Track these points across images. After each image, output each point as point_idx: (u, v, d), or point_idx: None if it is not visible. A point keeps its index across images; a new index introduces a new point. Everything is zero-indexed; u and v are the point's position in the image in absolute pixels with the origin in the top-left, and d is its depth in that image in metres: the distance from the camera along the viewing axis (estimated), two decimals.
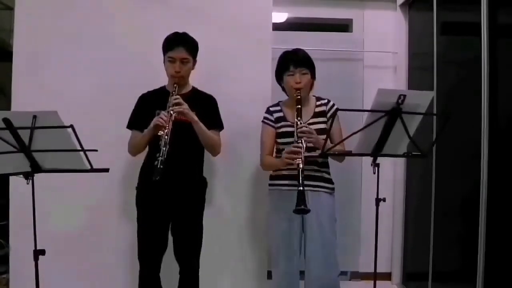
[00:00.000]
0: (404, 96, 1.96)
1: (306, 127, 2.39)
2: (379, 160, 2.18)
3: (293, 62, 2.51)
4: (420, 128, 2.08)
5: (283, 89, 2.63)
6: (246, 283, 3.16)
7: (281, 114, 2.61)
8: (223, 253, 3.12)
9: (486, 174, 2.54)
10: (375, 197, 2.24)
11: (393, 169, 3.84)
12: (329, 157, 2.58)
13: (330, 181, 2.59)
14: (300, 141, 2.34)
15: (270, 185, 2.64)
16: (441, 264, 3.15)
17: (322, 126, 2.53)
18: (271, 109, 2.66)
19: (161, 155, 2.29)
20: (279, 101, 2.68)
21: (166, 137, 2.32)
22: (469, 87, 2.79)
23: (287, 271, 2.51)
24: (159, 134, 2.35)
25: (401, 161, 3.78)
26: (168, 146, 2.31)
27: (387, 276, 3.85)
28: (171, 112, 2.38)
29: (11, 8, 3.48)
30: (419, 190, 3.61)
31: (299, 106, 2.44)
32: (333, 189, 2.59)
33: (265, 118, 2.65)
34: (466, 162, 2.85)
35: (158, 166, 2.27)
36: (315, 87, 2.65)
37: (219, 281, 3.11)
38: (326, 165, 2.60)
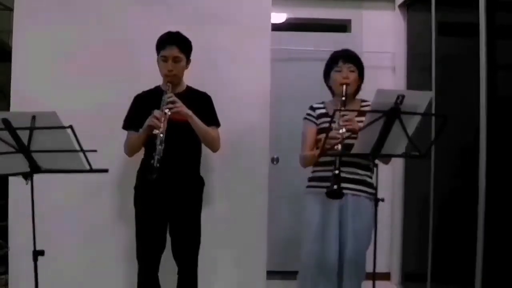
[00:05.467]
0: (403, 96, 1.96)
1: (347, 115, 2.32)
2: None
3: (342, 58, 2.48)
4: (419, 128, 2.09)
5: (330, 89, 2.58)
6: (245, 283, 3.16)
7: (323, 110, 2.55)
8: (221, 253, 3.12)
9: (484, 174, 2.54)
10: (374, 197, 2.24)
11: (392, 169, 3.84)
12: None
13: (371, 185, 2.49)
14: (341, 128, 2.28)
15: (308, 186, 2.56)
16: (440, 264, 3.16)
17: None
18: (314, 105, 2.59)
19: (157, 153, 2.29)
20: (323, 101, 2.62)
21: (161, 135, 2.33)
22: (468, 88, 2.80)
23: (325, 261, 2.41)
24: (154, 133, 2.35)
25: (400, 161, 3.78)
26: (164, 145, 2.31)
27: (386, 276, 3.85)
28: (165, 110, 2.38)
29: (10, 9, 3.48)
30: (418, 190, 3.62)
31: (344, 98, 2.39)
32: (374, 194, 2.44)
33: (307, 114, 2.58)
34: (465, 162, 2.85)
35: (155, 165, 2.27)
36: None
37: (218, 281, 3.11)
38: (368, 168, 2.50)
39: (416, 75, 3.73)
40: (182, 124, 2.47)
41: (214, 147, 2.65)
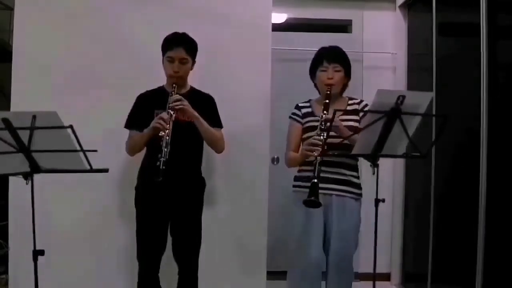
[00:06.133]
0: (404, 96, 1.96)
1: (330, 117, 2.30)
2: (379, 160, 2.18)
3: (327, 58, 2.46)
4: (420, 128, 2.09)
5: (315, 86, 2.57)
6: (245, 283, 3.16)
7: (309, 109, 2.55)
8: (222, 253, 3.12)
9: (485, 174, 2.54)
10: (375, 197, 2.24)
11: (392, 170, 3.84)
12: (359, 160, 2.52)
13: (357, 185, 2.50)
14: (322, 134, 2.28)
15: (294, 186, 2.57)
16: (440, 265, 3.15)
17: (353, 123, 2.45)
18: (300, 104, 2.60)
19: (163, 156, 2.29)
20: (310, 99, 2.62)
21: (167, 137, 2.33)
22: (469, 88, 2.79)
23: (311, 273, 2.42)
24: (160, 135, 2.35)
25: (401, 162, 3.78)
26: (169, 147, 2.32)
27: (386, 277, 3.85)
28: (171, 112, 2.38)
29: (11, 8, 3.48)
30: (418, 190, 3.62)
31: (327, 101, 2.37)
32: (360, 194, 2.50)
33: (293, 113, 2.59)
34: (465, 162, 2.85)
35: (161, 167, 2.27)
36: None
37: (218, 281, 3.11)
38: (355, 168, 2.51)
39: (416, 75, 3.73)
40: (184, 124, 2.47)
41: (219, 148, 2.65)
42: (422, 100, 2.05)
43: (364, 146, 2.14)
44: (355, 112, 2.51)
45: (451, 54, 3.14)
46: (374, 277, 2.25)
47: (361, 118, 2.45)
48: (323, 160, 2.33)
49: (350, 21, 4.04)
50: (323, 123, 2.31)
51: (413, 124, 2.05)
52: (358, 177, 2.53)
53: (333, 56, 2.47)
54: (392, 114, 2.00)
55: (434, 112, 3.05)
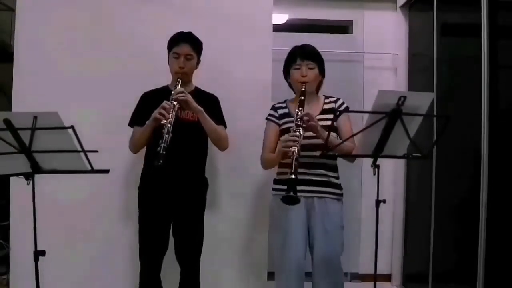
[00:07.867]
0: (405, 97, 1.96)
1: (306, 115, 2.29)
2: (379, 161, 2.18)
3: (300, 55, 2.45)
4: (421, 129, 2.08)
5: (290, 86, 2.56)
6: (247, 283, 3.16)
7: (286, 110, 2.54)
8: (223, 254, 3.12)
9: (486, 175, 2.54)
10: (375, 198, 2.23)
11: (393, 171, 3.83)
12: (337, 159, 2.51)
13: (338, 186, 2.50)
14: (298, 129, 2.26)
15: (274, 189, 2.54)
16: (441, 265, 3.15)
17: (330, 123, 2.40)
18: (276, 105, 2.59)
19: (164, 141, 2.29)
20: (286, 99, 2.61)
21: (169, 125, 2.33)
22: (470, 88, 2.79)
23: (292, 275, 2.42)
24: (162, 122, 2.34)
25: (402, 163, 3.78)
26: (171, 134, 2.31)
27: (387, 278, 3.85)
28: (174, 103, 2.39)
29: (12, 9, 3.49)
30: (419, 191, 3.61)
31: (303, 98, 2.35)
32: (341, 194, 2.50)
33: (269, 115, 2.58)
34: (466, 163, 2.85)
35: (161, 152, 2.27)
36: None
37: (220, 282, 3.11)
38: (335, 168, 2.51)
39: (417, 76, 3.73)
40: (189, 124, 2.49)
41: (223, 145, 2.65)
42: (423, 100, 2.06)
43: (365, 147, 2.14)
44: (331, 111, 2.49)
45: (452, 54, 3.14)
46: (375, 277, 2.25)
47: (336, 117, 2.40)
48: (306, 162, 2.34)
49: (351, 21, 4.04)
50: (299, 119, 2.29)
51: (414, 124, 2.05)
52: (338, 178, 2.52)
53: (306, 54, 2.46)
54: (393, 114, 2.00)
55: (435, 113, 3.04)
